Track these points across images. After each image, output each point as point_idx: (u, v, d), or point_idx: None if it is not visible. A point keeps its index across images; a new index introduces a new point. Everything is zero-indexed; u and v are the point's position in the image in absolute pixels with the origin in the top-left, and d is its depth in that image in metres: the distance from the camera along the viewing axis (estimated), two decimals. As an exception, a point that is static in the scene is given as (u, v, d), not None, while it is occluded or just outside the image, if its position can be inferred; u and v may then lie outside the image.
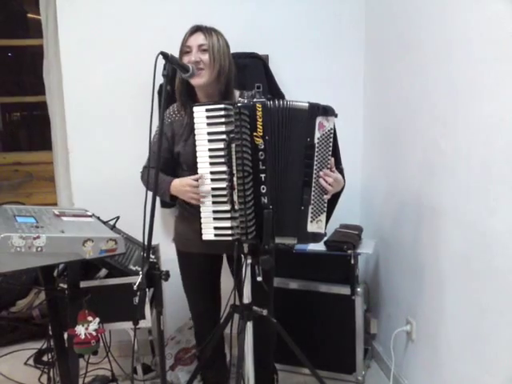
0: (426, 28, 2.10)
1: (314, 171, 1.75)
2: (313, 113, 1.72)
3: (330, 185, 1.75)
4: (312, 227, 1.79)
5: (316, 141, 1.73)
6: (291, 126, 1.72)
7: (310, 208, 1.77)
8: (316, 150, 1.73)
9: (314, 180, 1.75)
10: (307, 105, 1.72)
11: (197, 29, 1.93)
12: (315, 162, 1.74)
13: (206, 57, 1.89)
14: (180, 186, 1.87)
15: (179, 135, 2.01)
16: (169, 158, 2.04)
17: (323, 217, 1.80)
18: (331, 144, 1.75)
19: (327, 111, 1.73)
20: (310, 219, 1.78)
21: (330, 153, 1.76)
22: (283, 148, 1.73)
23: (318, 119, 1.72)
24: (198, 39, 1.90)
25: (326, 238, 2.55)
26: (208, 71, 1.90)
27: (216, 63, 1.90)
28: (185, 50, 1.93)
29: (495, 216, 1.66)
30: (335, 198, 1.86)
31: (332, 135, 1.75)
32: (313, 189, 1.76)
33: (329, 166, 1.76)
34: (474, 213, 1.78)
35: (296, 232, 1.80)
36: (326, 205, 1.79)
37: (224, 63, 1.92)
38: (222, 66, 1.91)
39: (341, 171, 1.86)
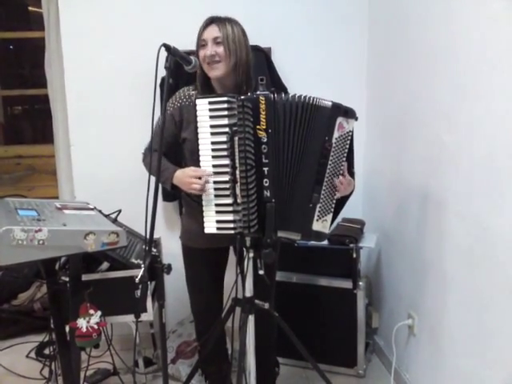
0: (431, 21, 2.09)
1: (328, 171, 1.74)
2: (335, 112, 1.71)
3: (342, 184, 1.76)
4: (317, 226, 1.79)
5: (334, 141, 1.72)
6: (309, 123, 1.71)
7: (318, 206, 1.77)
8: (332, 150, 1.73)
9: (325, 179, 1.75)
10: (330, 104, 1.71)
11: (211, 21, 1.89)
12: (329, 162, 1.73)
13: (220, 49, 1.86)
14: (182, 176, 1.85)
15: (187, 121, 1.98)
16: (173, 143, 2.02)
17: (329, 217, 1.80)
18: (347, 146, 1.75)
19: (348, 113, 1.72)
20: (316, 218, 1.77)
21: (346, 155, 1.76)
22: (293, 143, 1.72)
23: (339, 119, 1.71)
24: (213, 32, 1.87)
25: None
26: (224, 63, 1.87)
27: (232, 55, 1.87)
28: (200, 43, 1.90)
29: (499, 210, 1.65)
30: (343, 200, 1.86)
31: (350, 138, 1.74)
32: (323, 188, 1.75)
33: (341, 171, 1.76)
34: (477, 207, 1.78)
35: (300, 228, 1.79)
36: (333, 205, 1.79)
37: (240, 54, 1.89)
38: (239, 57, 1.89)
39: (352, 174, 1.85)
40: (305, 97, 1.71)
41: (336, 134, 1.72)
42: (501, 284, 1.66)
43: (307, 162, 1.74)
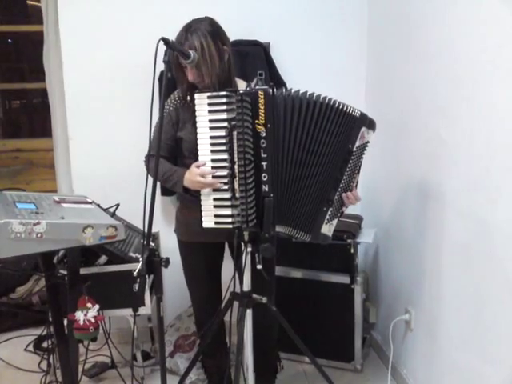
0: (429, 17, 2.09)
1: (344, 177, 1.76)
2: (361, 122, 1.73)
3: (347, 204, 1.81)
4: (325, 229, 1.81)
5: (355, 149, 1.74)
6: (322, 122, 1.71)
7: (329, 210, 1.79)
8: (351, 158, 1.75)
9: (341, 185, 1.77)
10: (359, 113, 1.73)
11: (180, 43, 1.82)
12: (347, 170, 1.76)
13: (199, 72, 1.84)
14: (190, 177, 1.82)
15: (183, 121, 1.99)
16: (174, 146, 2.02)
17: (335, 221, 1.82)
18: (363, 157, 1.79)
19: (372, 124, 1.76)
20: (325, 221, 1.80)
21: (361, 164, 1.79)
22: (299, 139, 1.72)
23: (363, 129, 1.73)
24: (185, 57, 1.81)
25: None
26: (207, 80, 1.85)
27: (206, 76, 1.84)
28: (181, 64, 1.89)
29: (496, 206, 1.66)
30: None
31: (366, 147, 1.77)
32: (337, 193, 1.78)
33: (355, 179, 1.80)
34: (475, 202, 1.78)
35: (311, 230, 1.81)
36: (341, 211, 1.83)
37: (213, 69, 1.84)
38: (217, 69, 1.85)
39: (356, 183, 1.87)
40: (318, 96, 1.71)
41: (358, 143, 1.74)
42: (498, 279, 1.67)
43: (323, 164, 1.74)
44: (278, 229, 1.81)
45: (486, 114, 1.70)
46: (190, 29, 1.84)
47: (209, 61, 1.82)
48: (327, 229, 1.81)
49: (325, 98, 1.71)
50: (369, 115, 1.75)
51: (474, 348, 1.83)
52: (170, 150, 2.01)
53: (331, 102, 1.71)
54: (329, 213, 1.79)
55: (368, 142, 1.77)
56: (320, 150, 1.73)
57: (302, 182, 1.76)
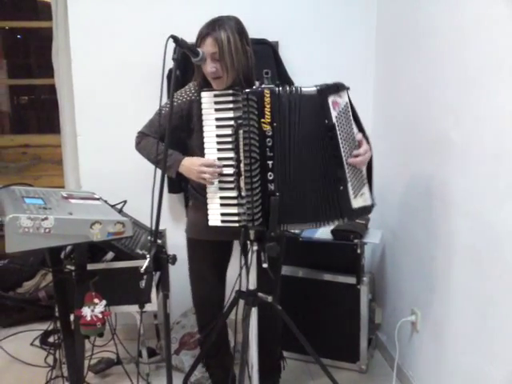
0: (439, 17, 2.07)
1: (342, 149, 1.73)
2: (323, 95, 1.70)
3: (360, 165, 1.76)
4: (357, 202, 1.77)
5: (334, 120, 1.71)
6: (303, 113, 1.71)
7: (349, 185, 1.76)
8: (338, 128, 1.72)
9: (344, 158, 1.74)
10: (315, 89, 1.70)
11: (206, 34, 1.82)
12: (340, 140, 1.72)
13: (220, 65, 1.83)
14: (190, 164, 1.84)
15: (197, 116, 1.93)
16: (172, 136, 2.00)
17: (365, 189, 1.79)
18: (351, 118, 1.74)
19: (337, 88, 1.72)
20: (352, 196, 1.76)
21: (353, 125, 1.75)
22: (297, 135, 1.71)
23: (330, 99, 1.71)
24: (209, 47, 1.81)
25: (333, 227, 2.57)
26: (225, 76, 1.84)
27: (231, 69, 1.83)
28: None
29: (505, 208, 1.65)
30: (369, 166, 1.84)
31: (348, 109, 1.73)
32: (346, 166, 1.74)
33: (356, 142, 1.75)
34: (483, 204, 1.77)
35: (341, 213, 1.77)
36: (365, 177, 1.78)
37: (238, 64, 1.84)
38: (238, 66, 1.84)
39: (366, 139, 1.82)
40: (287, 87, 1.70)
41: (334, 113, 1.71)
42: (506, 281, 1.66)
43: (315, 150, 1.73)
44: (295, 228, 1.80)
45: (495, 115, 1.69)
46: (217, 22, 1.83)
47: (234, 54, 1.81)
48: (360, 201, 1.78)
49: (295, 88, 1.71)
50: (328, 83, 1.71)
51: (480, 350, 1.82)
52: (163, 137, 1.93)
53: (299, 92, 1.70)
54: (350, 187, 1.76)
55: (346, 103, 1.73)
56: (308, 141, 1.73)
57: (306, 176, 1.75)
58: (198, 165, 1.81)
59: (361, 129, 1.81)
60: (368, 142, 1.82)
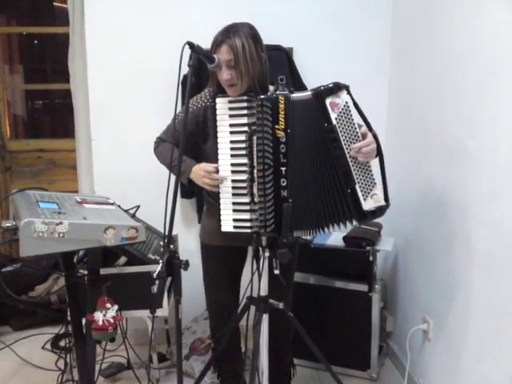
0: (455, 24, 2.07)
1: (346, 150, 1.71)
2: (319, 98, 1.69)
3: (364, 157, 1.72)
4: (369, 204, 1.73)
5: (334, 122, 1.70)
6: (305, 118, 1.71)
7: (357, 187, 1.72)
8: (339, 129, 1.70)
9: (349, 159, 1.71)
10: (310, 93, 1.70)
11: (221, 41, 1.82)
12: (343, 142, 1.70)
13: (235, 72, 1.83)
14: (197, 170, 1.87)
15: (212, 121, 1.93)
16: (188, 142, 2.01)
17: (377, 189, 1.75)
18: (352, 116, 1.71)
19: (333, 89, 1.70)
20: (362, 198, 1.73)
21: (355, 123, 1.71)
22: (306, 140, 1.72)
23: (328, 101, 1.69)
24: (224, 55, 1.81)
25: (346, 234, 2.56)
26: (240, 83, 1.84)
27: (245, 77, 1.83)
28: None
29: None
30: (381, 163, 1.80)
31: (349, 108, 1.70)
32: (352, 167, 1.72)
33: (359, 138, 1.72)
34: (499, 212, 1.76)
35: (352, 215, 1.74)
36: (373, 177, 1.74)
37: (254, 71, 1.83)
38: (253, 72, 1.84)
39: (374, 136, 1.77)
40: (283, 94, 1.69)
41: (334, 115, 1.69)
42: (520, 291, 1.64)
43: (320, 154, 1.72)
44: (306, 235, 1.79)
45: (511, 122, 1.68)
46: (232, 29, 1.83)
47: (249, 61, 1.81)
48: (372, 202, 1.74)
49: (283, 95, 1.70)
50: (326, 84, 1.70)
51: (493, 360, 1.80)
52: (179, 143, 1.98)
53: (295, 98, 1.70)
54: (358, 189, 1.73)
55: (346, 102, 1.70)
56: (311, 146, 1.72)
57: (313, 182, 1.74)
58: (202, 170, 1.83)
59: (368, 126, 1.77)
60: (374, 136, 1.76)
